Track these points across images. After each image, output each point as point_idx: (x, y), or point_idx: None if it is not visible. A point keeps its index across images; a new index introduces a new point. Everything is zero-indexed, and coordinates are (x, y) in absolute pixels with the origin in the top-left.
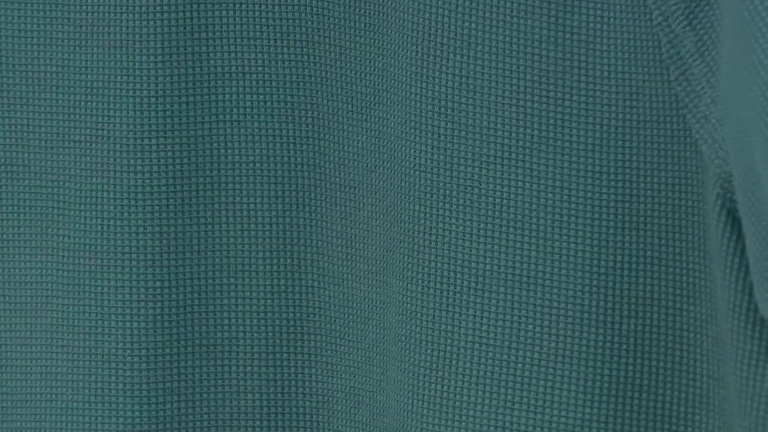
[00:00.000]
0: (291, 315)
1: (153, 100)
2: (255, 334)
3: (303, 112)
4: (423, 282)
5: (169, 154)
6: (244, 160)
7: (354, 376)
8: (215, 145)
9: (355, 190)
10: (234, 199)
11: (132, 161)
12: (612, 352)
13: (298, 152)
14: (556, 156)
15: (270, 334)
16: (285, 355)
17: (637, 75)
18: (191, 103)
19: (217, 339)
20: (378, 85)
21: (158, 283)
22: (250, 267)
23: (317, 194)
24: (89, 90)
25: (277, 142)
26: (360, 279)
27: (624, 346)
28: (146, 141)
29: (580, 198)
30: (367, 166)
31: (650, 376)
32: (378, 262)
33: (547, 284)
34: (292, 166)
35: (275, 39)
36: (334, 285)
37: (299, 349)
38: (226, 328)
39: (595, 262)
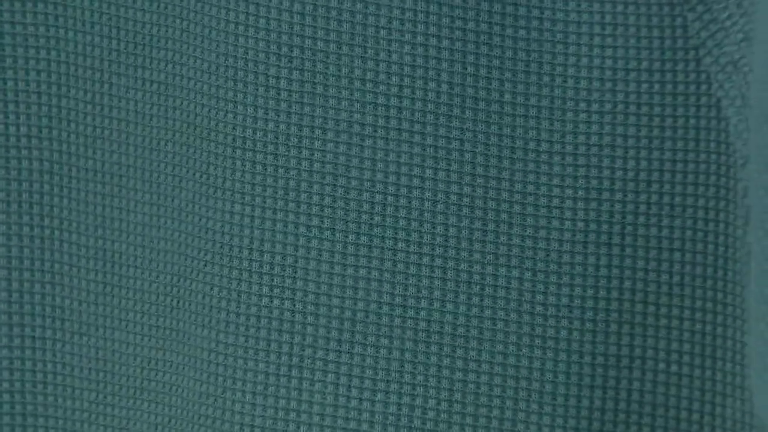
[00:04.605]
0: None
1: None
2: None
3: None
4: (243, 335)
5: None
6: None
7: None
8: None
9: (117, 183)
10: None
11: None
12: None
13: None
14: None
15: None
16: None
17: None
18: None
19: None
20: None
21: None
22: None
23: (62, 192)
24: None
25: None
26: (126, 325)
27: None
28: None
29: (554, 195)
30: (127, 142)
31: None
32: (158, 296)
33: (514, 340)
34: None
35: None
36: (79, 335)
37: None
38: None
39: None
